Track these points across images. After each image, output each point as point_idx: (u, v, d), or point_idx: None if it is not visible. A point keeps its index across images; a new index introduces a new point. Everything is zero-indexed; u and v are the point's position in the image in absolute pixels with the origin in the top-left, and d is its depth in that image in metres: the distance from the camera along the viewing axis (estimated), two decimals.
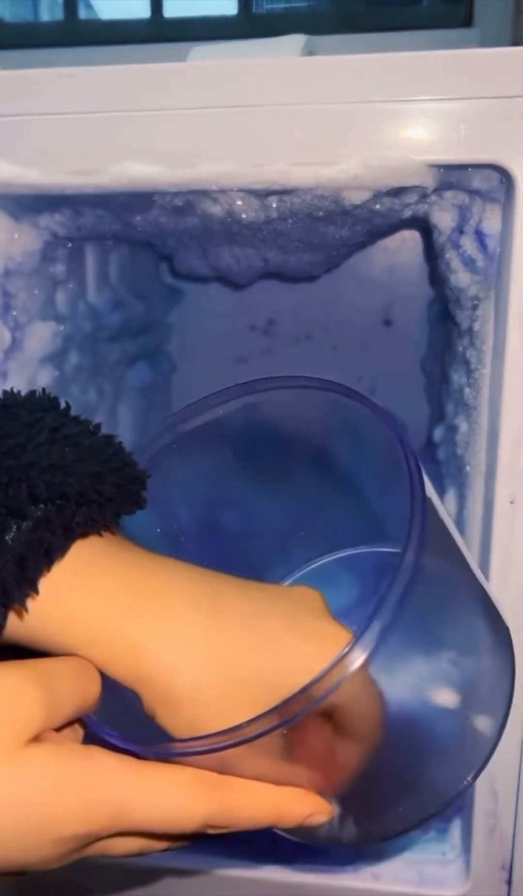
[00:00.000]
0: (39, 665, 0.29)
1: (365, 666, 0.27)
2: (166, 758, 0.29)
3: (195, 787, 0.29)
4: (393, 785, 0.35)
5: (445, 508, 0.38)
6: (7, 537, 0.28)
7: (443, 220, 0.49)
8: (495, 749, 0.34)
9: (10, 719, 0.27)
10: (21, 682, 0.28)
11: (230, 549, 0.45)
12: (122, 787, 0.28)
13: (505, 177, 0.43)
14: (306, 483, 0.45)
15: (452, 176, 0.45)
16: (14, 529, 0.28)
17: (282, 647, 0.31)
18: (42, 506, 0.29)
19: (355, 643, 0.27)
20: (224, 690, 0.30)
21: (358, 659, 0.27)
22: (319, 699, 0.27)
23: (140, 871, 0.56)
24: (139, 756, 0.29)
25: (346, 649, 0.27)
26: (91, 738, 0.31)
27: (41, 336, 0.56)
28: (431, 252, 0.61)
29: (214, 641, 0.30)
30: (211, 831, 0.30)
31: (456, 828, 0.55)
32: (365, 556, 0.47)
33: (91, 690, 0.30)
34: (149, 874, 0.56)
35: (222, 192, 0.46)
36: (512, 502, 0.45)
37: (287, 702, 0.28)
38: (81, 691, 0.30)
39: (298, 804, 0.31)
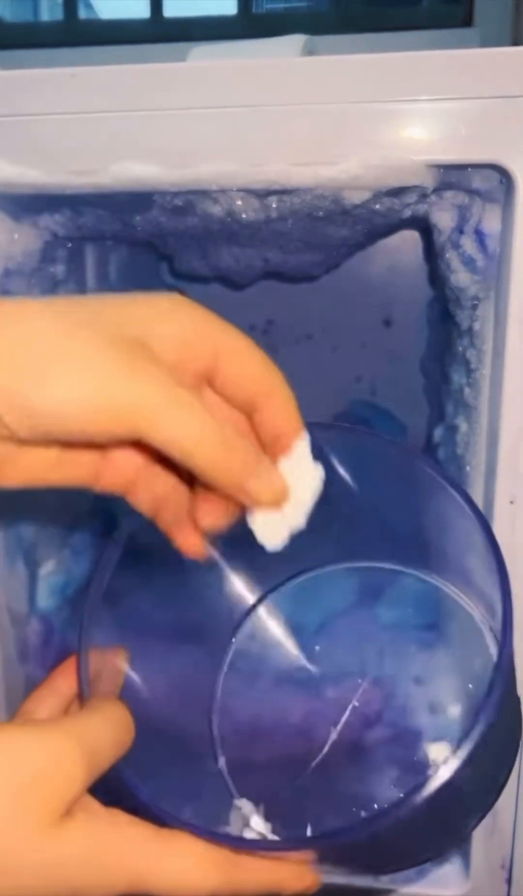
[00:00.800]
0: (80, 723, 0.30)
1: None
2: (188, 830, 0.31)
3: (209, 864, 0.31)
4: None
5: None
6: None
7: (443, 220, 0.49)
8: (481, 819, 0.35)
9: (54, 787, 0.28)
10: (65, 746, 0.29)
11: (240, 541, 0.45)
12: (143, 861, 0.30)
13: (504, 177, 0.43)
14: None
15: (452, 176, 0.45)
16: None
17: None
18: None
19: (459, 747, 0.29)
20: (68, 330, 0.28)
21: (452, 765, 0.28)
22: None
23: None
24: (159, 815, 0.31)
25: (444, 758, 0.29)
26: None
27: None
28: (431, 252, 0.61)
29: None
30: None
31: None
32: (378, 572, 0.47)
33: (126, 740, 0.31)
34: None
35: (222, 191, 0.46)
36: (512, 502, 0.45)
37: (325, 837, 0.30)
38: (118, 744, 0.31)
39: (296, 880, 0.33)
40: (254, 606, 0.48)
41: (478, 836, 0.51)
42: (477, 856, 0.51)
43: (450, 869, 0.54)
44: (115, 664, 0.38)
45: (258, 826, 0.40)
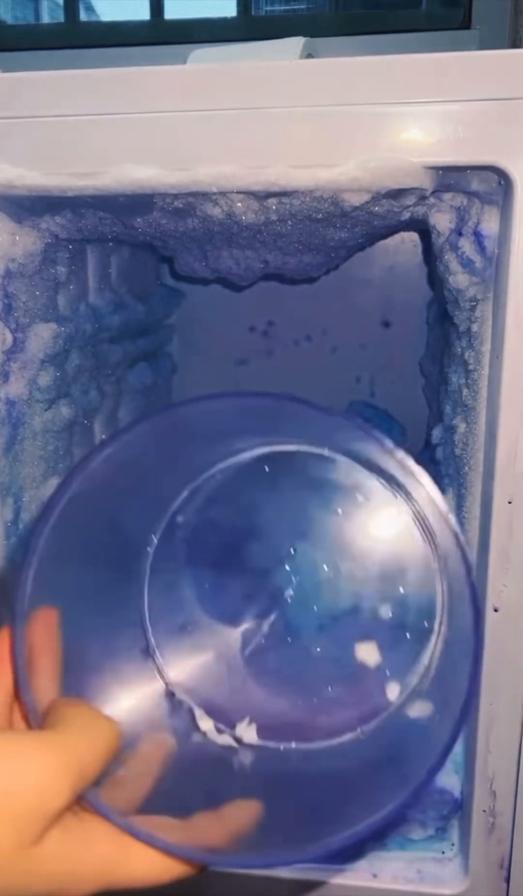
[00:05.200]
0: (72, 740, 0.29)
1: None
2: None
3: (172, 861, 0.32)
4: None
5: None
6: None
7: (442, 221, 0.49)
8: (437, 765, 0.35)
9: (39, 806, 0.28)
10: (55, 764, 0.28)
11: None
12: (114, 866, 0.31)
13: (503, 179, 0.43)
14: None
15: (450, 178, 0.45)
16: None
17: None
18: None
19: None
20: None
21: None
22: None
23: None
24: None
25: None
26: None
27: (43, 337, 0.56)
28: (430, 254, 0.61)
29: None
30: None
31: (454, 826, 0.55)
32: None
33: (111, 755, 0.31)
34: None
35: (222, 194, 0.47)
36: (509, 502, 0.45)
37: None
38: (104, 761, 0.31)
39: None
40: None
41: (477, 835, 0.51)
42: (476, 855, 0.51)
43: (449, 868, 0.54)
44: (49, 630, 0.34)
45: (205, 725, 0.41)
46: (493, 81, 0.42)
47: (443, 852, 0.54)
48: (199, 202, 0.48)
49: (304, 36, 0.57)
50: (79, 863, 0.29)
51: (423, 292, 0.85)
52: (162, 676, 0.43)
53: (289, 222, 0.50)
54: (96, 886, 0.30)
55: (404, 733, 0.37)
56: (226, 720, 0.42)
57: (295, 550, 0.43)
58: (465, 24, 0.93)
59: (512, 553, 0.46)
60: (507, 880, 0.52)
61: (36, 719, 0.32)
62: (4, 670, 0.33)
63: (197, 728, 0.41)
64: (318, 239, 0.56)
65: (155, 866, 0.31)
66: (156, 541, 0.44)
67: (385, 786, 0.33)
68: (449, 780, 0.54)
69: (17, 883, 0.28)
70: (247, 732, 0.41)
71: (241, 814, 0.34)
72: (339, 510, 0.43)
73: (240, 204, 0.48)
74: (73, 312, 0.62)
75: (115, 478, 0.36)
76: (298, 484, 0.44)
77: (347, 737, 0.40)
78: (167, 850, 0.31)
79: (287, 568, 0.43)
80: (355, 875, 0.54)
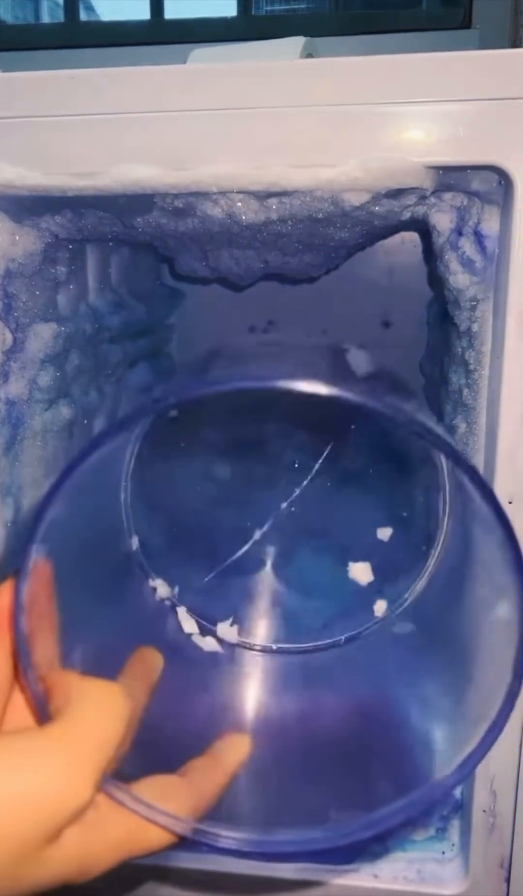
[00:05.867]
0: (92, 736, 0.29)
1: None
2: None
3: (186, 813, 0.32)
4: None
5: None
6: None
7: (442, 221, 0.49)
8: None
9: (62, 808, 0.27)
10: (78, 766, 0.28)
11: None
12: (130, 845, 0.31)
13: (503, 178, 0.43)
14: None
15: (451, 178, 0.45)
16: None
17: None
18: None
19: None
20: None
21: None
22: None
23: (137, 870, 0.56)
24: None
25: None
26: None
27: (42, 337, 0.56)
28: (430, 253, 0.61)
29: None
30: None
31: (454, 826, 0.55)
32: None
33: (128, 736, 0.31)
34: (146, 872, 0.56)
35: (222, 193, 0.47)
36: (510, 502, 0.45)
37: None
38: (123, 744, 0.30)
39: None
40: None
41: (478, 835, 0.51)
42: (476, 855, 0.51)
43: (450, 868, 0.54)
44: (45, 587, 0.33)
45: (189, 627, 0.42)
46: (493, 81, 0.42)
47: (444, 852, 0.54)
48: (199, 202, 0.48)
49: (304, 36, 0.57)
50: (97, 847, 0.30)
51: (423, 292, 0.85)
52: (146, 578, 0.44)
53: (290, 222, 0.50)
54: (114, 863, 0.31)
55: (388, 650, 0.38)
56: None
57: (297, 463, 0.43)
58: (465, 24, 0.93)
59: None
60: (507, 880, 0.52)
61: (38, 697, 0.31)
62: (3, 637, 0.32)
63: (181, 632, 0.42)
64: (319, 239, 0.56)
65: (167, 834, 0.32)
66: (137, 445, 0.44)
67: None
68: None
69: (37, 872, 0.28)
70: (229, 632, 0.42)
71: (233, 750, 0.35)
72: (352, 426, 0.43)
73: (240, 204, 0.48)
74: (73, 312, 0.62)
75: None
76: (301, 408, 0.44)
77: (328, 640, 0.41)
78: (192, 837, 0.32)
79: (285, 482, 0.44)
80: (356, 875, 0.54)
